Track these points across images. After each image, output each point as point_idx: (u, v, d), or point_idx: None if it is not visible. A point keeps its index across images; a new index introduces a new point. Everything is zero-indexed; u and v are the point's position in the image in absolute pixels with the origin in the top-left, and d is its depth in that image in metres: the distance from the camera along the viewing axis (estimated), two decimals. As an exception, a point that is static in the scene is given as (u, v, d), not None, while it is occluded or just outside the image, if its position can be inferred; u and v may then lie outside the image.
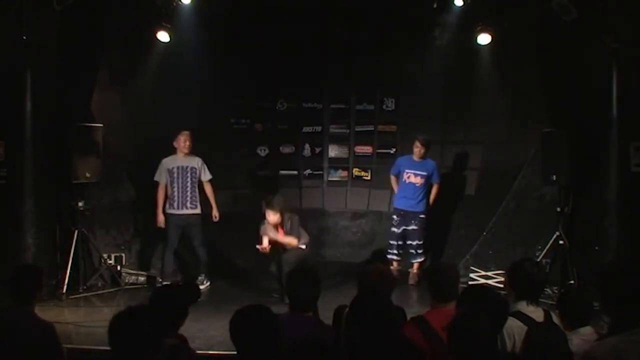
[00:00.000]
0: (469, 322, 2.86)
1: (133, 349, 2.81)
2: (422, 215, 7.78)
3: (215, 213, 7.65)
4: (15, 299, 3.86)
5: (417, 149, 7.73)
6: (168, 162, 7.46)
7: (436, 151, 8.77)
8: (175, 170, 7.42)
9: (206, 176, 7.61)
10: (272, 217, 6.83)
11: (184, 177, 7.43)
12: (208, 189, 7.65)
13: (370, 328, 2.96)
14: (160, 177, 7.46)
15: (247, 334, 2.93)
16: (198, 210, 7.51)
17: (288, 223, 6.94)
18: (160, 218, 7.41)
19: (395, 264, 7.84)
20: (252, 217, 9.10)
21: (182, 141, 7.41)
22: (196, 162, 7.53)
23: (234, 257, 8.83)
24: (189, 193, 7.43)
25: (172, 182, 7.42)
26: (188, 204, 7.44)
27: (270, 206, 6.85)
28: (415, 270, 7.83)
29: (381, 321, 2.98)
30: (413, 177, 7.75)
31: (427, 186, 7.81)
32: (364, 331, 2.97)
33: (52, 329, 3.86)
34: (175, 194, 7.41)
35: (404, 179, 7.82)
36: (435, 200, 7.89)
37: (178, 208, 7.41)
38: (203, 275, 7.56)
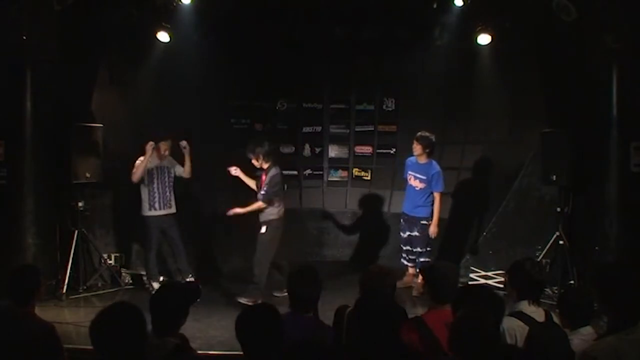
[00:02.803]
0: (473, 321, 2.86)
1: (115, 350, 2.80)
2: (424, 222, 7.32)
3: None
4: (15, 300, 3.86)
5: (413, 147, 7.39)
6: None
7: (436, 151, 8.77)
8: (154, 170, 7.31)
9: (181, 170, 7.39)
10: (254, 162, 6.91)
11: (162, 177, 7.34)
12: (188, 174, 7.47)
13: (372, 328, 2.96)
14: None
15: (253, 332, 2.94)
16: (174, 210, 7.43)
17: (268, 176, 6.91)
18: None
19: (410, 269, 7.54)
20: (252, 217, 9.14)
21: (162, 150, 7.30)
22: (170, 161, 7.43)
23: (234, 257, 8.84)
24: (168, 193, 7.36)
25: (151, 183, 7.27)
26: (169, 203, 7.37)
27: (250, 151, 6.91)
28: (420, 281, 7.06)
29: (383, 321, 2.98)
30: (413, 180, 7.43)
31: (429, 193, 7.33)
32: (366, 331, 2.97)
33: (52, 329, 3.86)
34: (156, 194, 7.29)
35: (408, 181, 7.52)
36: (439, 212, 7.30)
37: (160, 208, 7.29)
38: (191, 274, 7.50)
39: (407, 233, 7.51)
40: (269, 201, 6.89)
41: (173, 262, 7.74)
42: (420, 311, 3.99)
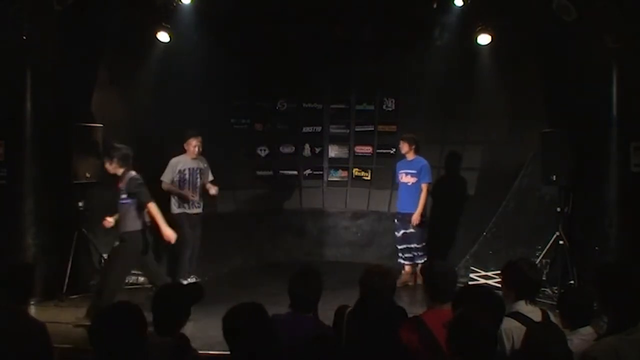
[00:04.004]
0: (471, 320, 2.85)
1: (115, 350, 2.79)
2: None
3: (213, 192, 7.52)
4: (13, 299, 3.85)
5: (400, 147, 7.86)
6: (179, 163, 7.41)
7: (436, 151, 8.78)
8: (187, 171, 7.41)
9: (210, 177, 7.63)
10: (107, 166, 6.33)
11: (194, 178, 7.44)
12: (211, 189, 7.58)
13: (372, 328, 2.96)
14: (168, 176, 7.37)
15: (239, 331, 2.93)
16: (201, 210, 7.55)
17: (125, 179, 6.24)
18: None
19: (406, 267, 7.77)
20: (252, 217, 9.16)
21: (193, 146, 7.36)
22: (203, 162, 7.55)
23: (234, 257, 8.84)
24: (198, 193, 7.46)
25: (183, 183, 7.39)
26: (197, 204, 7.47)
27: (105, 154, 6.39)
28: (419, 273, 7.49)
29: (383, 321, 2.98)
30: (404, 177, 7.76)
31: (420, 186, 7.65)
32: (366, 331, 2.97)
33: (44, 328, 3.85)
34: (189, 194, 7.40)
35: (399, 180, 7.84)
36: (424, 202, 7.59)
37: (190, 208, 7.42)
38: (194, 275, 7.51)
39: (402, 231, 7.72)
40: (149, 198, 6.18)
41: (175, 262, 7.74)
42: (419, 310, 3.98)
